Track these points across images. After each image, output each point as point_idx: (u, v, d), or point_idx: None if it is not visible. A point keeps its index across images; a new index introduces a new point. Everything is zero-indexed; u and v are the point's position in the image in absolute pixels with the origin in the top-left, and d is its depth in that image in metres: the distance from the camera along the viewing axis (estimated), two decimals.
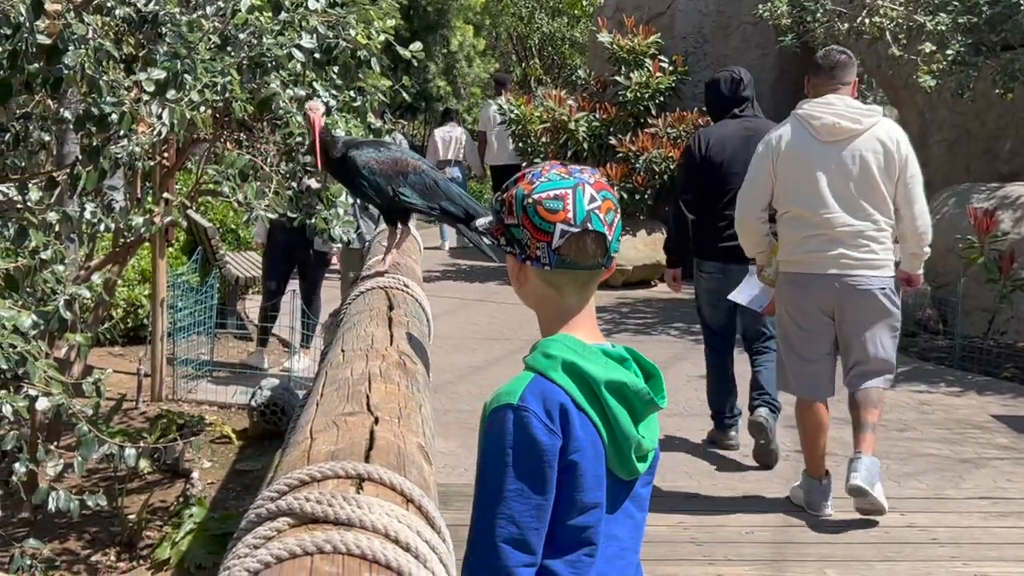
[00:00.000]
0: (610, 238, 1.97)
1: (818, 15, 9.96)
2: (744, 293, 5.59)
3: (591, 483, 1.89)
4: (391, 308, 2.42)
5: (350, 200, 5.44)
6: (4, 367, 3.33)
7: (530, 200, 1.94)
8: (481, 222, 2.07)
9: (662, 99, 11.96)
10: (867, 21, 9.47)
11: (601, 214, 1.94)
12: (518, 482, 1.81)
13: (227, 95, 4.55)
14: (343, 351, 1.97)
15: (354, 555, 1.01)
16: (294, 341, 8.19)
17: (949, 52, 8.80)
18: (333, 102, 5.13)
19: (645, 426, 1.97)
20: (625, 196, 11.36)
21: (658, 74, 11.91)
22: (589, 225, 1.92)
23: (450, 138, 13.69)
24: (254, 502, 1.17)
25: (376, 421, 1.47)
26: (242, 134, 5.69)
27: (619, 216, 2.00)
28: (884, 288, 4.89)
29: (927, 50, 9.02)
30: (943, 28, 8.89)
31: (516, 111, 12.38)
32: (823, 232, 4.86)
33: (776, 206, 5.02)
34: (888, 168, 4.85)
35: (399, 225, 2.95)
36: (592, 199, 1.94)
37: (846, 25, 9.68)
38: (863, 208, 4.85)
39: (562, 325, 1.98)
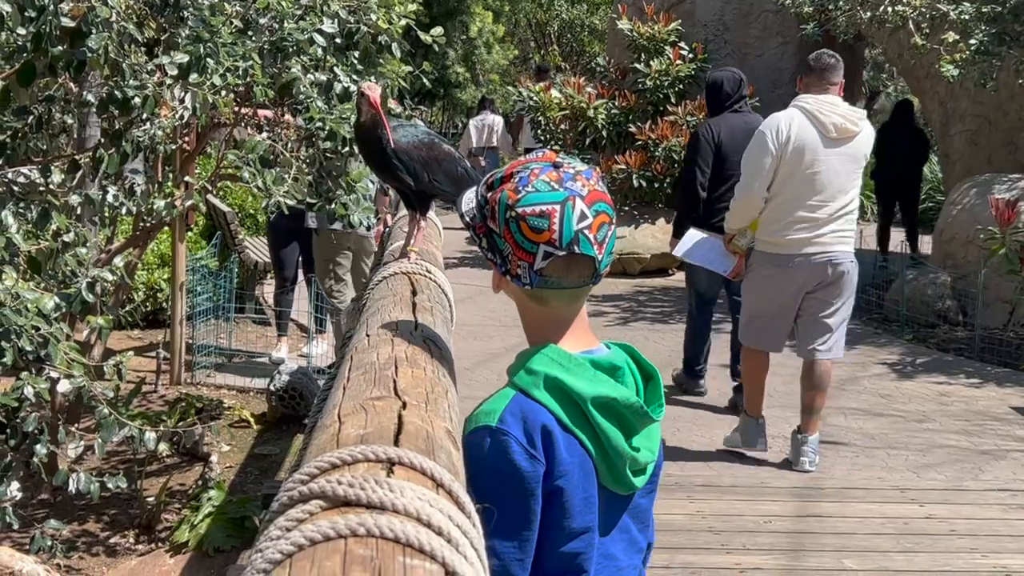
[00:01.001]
0: (600, 257, 1.78)
1: (840, 3, 9.90)
2: (697, 255, 6.16)
3: (579, 507, 1.75)
4: (415, 294, 2.41)
5: (369, 186, 5.44)
6: (28, 348, 3.34)
7: (513, 214, 1.76)
8: (467, 207, 1.88)
9: (682, 87, 11.93)
10: (890, 9, 9.41)
11: (591, 233, 1.75)
12: (498, 511, 1.66)
13: (248, 79, 4.54)
14: (368, 335, 1.96)
15: (387, 538, 1.01)
16: (311, 326, 8.21)
17: (972, 41, 8.74)
18: (353, 87, 5.12)
19: (643, 437, 1.82)
20: (644, 184, 11.35)
21: (678, 62, 11.88)
22: (576, 248, 1.74)
23: (483, 126, 13.97)
24: (284, 484, 1.17)
25: (404, 406, 1.46)
26: (263, 119, 5.68)
27: (613, 228, 1.81)
28: (853, 262, 5.45)
29: (950, 39, 8.96)
30: (966, 17, 8.84)
31: (535, 98, 12.35)
32: (812, 217, 5.32)
33: (771, 189, 5.41)
34: (863, 164, 5.45)
35: (419, 211, 2.92)
36: (582, 216, 1.74)
37: (868, 13, 9.63)
38: (847, 198, 5.37)
39: (546, 333, 1.83)
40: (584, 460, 1.75)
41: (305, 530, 1.01)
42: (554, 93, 12.85)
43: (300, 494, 1.09)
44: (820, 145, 5.28)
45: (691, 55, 11.99)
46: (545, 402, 1.73)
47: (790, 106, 5.45)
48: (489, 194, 1.82)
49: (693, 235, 6.26)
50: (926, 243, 11.87)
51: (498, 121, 14.20)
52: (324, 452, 1.21)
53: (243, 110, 5.35)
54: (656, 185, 11.51)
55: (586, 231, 1.75)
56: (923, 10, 9.33)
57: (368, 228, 7.38)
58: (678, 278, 11.48)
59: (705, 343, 7.02)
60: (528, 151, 14.43)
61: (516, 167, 1.83)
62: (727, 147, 6.42)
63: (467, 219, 1.87)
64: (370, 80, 5.41)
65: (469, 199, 1.90)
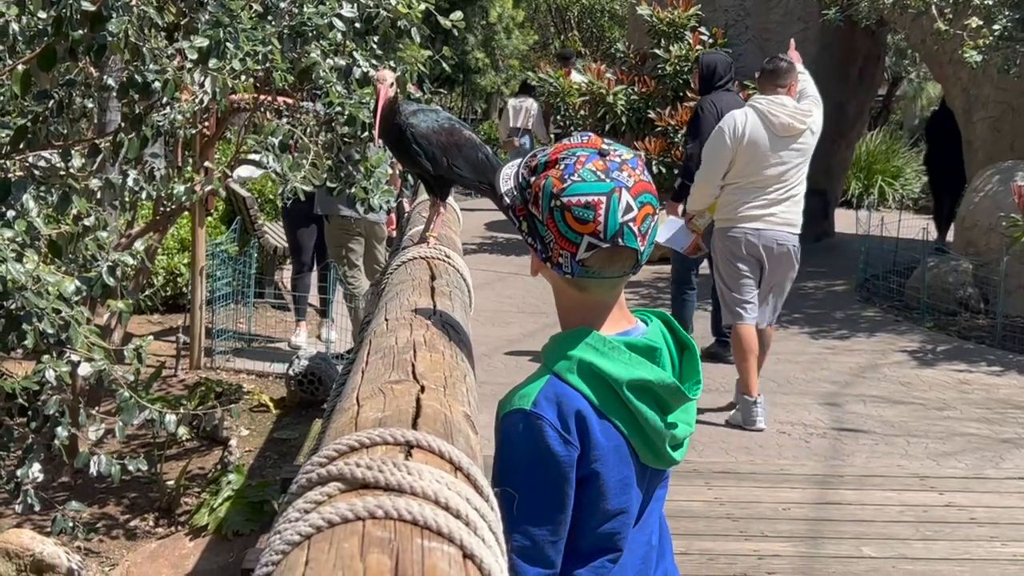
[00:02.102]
0: (643, 249, 1.77)
1: None
2: (663, 236, 6.84)
3: (615, 490, 1.75)
4: (433, 278, 2.41)
5: (388, 171, 5.44)
6: (49, 332, 3.36)
7: (558, 203, 1.73)
8: (506, 187, 1.85)
9: None
10: None
11: (635, 226, 1.74)
12: (532, 495, 1.69)
13: (268, 64, 4.54)
14: (387, 319, 1.96)
15: (405, 521, 1.01)
16: (330, 311, 8.23)
17: (996, 27, 8.66)
18: (373, 72, 5.11)
19: (681, 411, 1.82)
20: (663, 171, 11.30)
21: (698, 47, 11.81)
22: (620, 240, 1.73)
23: (521, 107, 14.31)
24: (303, 467, 1.17)
25: (422, 389, 1.46)
26: (282, 104, 5.68)
27: (656, 218, 1.80)
28: (796, 245, 6.18)
29: (973, 25, 8.88)
30: (990, 2, 8.76)
31: (554, 83, 12.31)
32: (762, 200, 6.09)
33: (727, 178, 6.20)
34: (810, 153, 6.17)
35: (439, 196, 2.92)
36: (628, 208, 1.72)
37: None
38: (793, 186, 6.13)
39: (583, 318, 1.81)
40: (620, 444, 1.75)
41: (324, 512, 1.01)
42: (575, 76, 12.81)
43: (319, 476, 1.09)
44: (770, 142, 6.06)
45: (711, 40, 11.92)
46: (579, 387, 1.73)
47: (746, 105, 6.30)
48: (532, 178, 1.79)
49: (675, 222, 6.94)
50: None
51: (535, 106, 14.35)
52: (342, 435, 1.21)
53: (262, 96, 5.36)
54: (676, 171, 11.45)
55: (631, 223, 1.73)
56: None
57: (388, 212, 7.39)
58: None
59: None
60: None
61: (561, 152, 1.79)
62: None
63: (507, 200, 1.85)
64: (389, 65, 5.41)
65: (507, 177, 1.88)
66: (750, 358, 6.14)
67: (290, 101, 5.58)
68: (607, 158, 1.76)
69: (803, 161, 6.13)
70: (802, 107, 6.13)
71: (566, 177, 1.74)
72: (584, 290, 1.80)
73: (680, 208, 7.06)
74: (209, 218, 8.95)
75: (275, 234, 9.54)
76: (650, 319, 1.89)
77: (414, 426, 1.29)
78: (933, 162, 12.78)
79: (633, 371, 1.74)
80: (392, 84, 2.71)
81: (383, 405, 1.36)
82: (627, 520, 1.79)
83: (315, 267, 8.51)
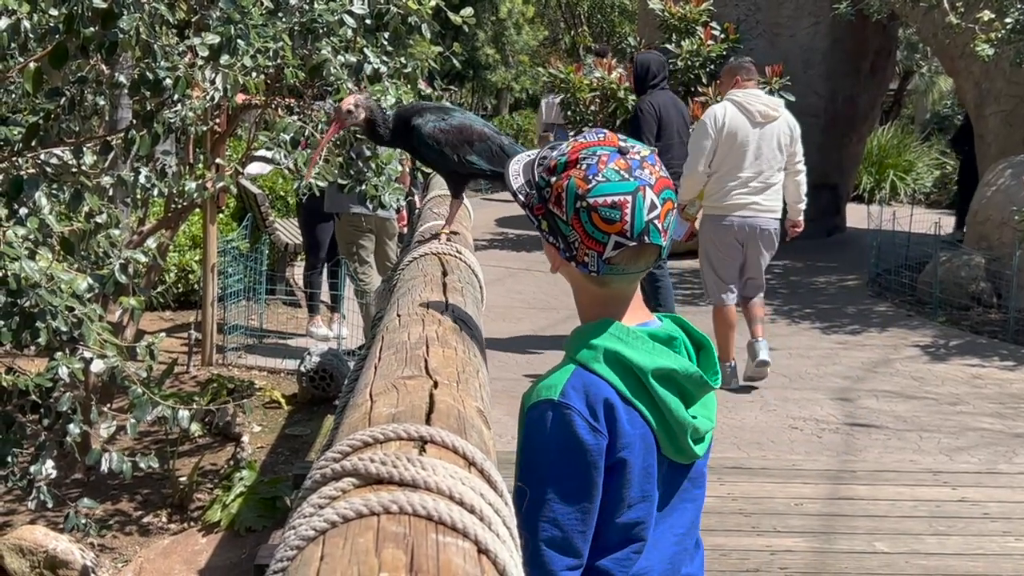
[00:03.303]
0: (665, 243, 1.80)
1: None
2: None
3: (639, 478, 1.77)
4: (445, 274, 2.41)
5: (398, 168, 5.44)
6: (63, 329, 3.36)
7: (584, 204, 1.74)
8: (516, 184, 1.86)
9: (713, 68, 11.82)
10: None
11: (660, 223, 1.76)
12: (562, 484, 1.70)
13: (279, 61, 4.54)
14: (399, 315, 1.96)
15: (420, 516, 1.01)
16: (341, 307, 8.24)
17: (1008, 20, 8.62)
18: (384, 68, 5.11)
19: (700, 405, 1.84)
20: None
21: (709, 42, 11.78)
22: (647, 238, 1.75)
23: (553, 104, 14.56)
24: (317, 462, 1.17)
25: (435, 385, 1.46)
26: (293, 100, 5.69)
27: (676, 212, 1.87)
28: (776, 228, 6.76)
29: (985, 18, 8.84)
30: None
31: (565, 79, 12.30)
32: (745, 187, 6.63)
33: (712, 166, 6.70)
34: (788, 144, 6.73)
35: (452, 193, 2.95)
36: (652, 206, 1.75)
37: None
38: (772, 173, 6.68)
39: (604, 311, 1.83)
40: (645, 432, 1.76)
41: (338, 507, 1.01)
42: (599, 75, 12.82)
43: (333, 472, 1.09)
44: (749, 130, 6.64)
45: (723, 35, 11.89)
46: (606, 376, 1.74)
47: (723, 99, 6.84)
48: (553, 179, 1.80)
49: None
50: None
51: None
52: (356, 430, 1.21)
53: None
54: None
55: (655, 221, 1.76)
56: None
57: (397, 211, 7.40)
58: None
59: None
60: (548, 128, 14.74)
61: (580, 151, 1.80)
62: (665, 119, 7.65)
63: (520, 197, 1.87)
64: (400, 60, 5.41)
65: (515, 173, 1.89)
66: (732, 333, 6.84)
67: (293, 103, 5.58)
68: (628, 156, 1.78)
69: (777, 150, 6.70)
70: (773, 99, 6.89)
71: (590, 177, 1.75)
72: (606, 285, 1.82)
73: None
74: (220, 215, 8.97)
75: (286, 231, 9.56)
76: (662, 318, 1.91)
77: (427, 421, 1.29)
78: (965, 156, 12.74)
79: (657, 360, 1.77)
80: (352, 112, 2.74)
81: (396, 400, 1.36)
82: (650, 508, 1.79)
83: (326, 263, 8.53)
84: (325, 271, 8.53)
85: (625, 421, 1.74)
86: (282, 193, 11.05)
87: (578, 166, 1.78)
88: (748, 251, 6.78)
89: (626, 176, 1.75)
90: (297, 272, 9.68)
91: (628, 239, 1.74)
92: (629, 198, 1.73)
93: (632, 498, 1.77)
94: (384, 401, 1.37)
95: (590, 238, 1.76)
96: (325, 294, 8.60)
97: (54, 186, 3.88)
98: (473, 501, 1.05)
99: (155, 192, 4.46)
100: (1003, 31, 8.66)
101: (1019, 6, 8.67)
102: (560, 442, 1.71)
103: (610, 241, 1.75)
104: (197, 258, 8.65)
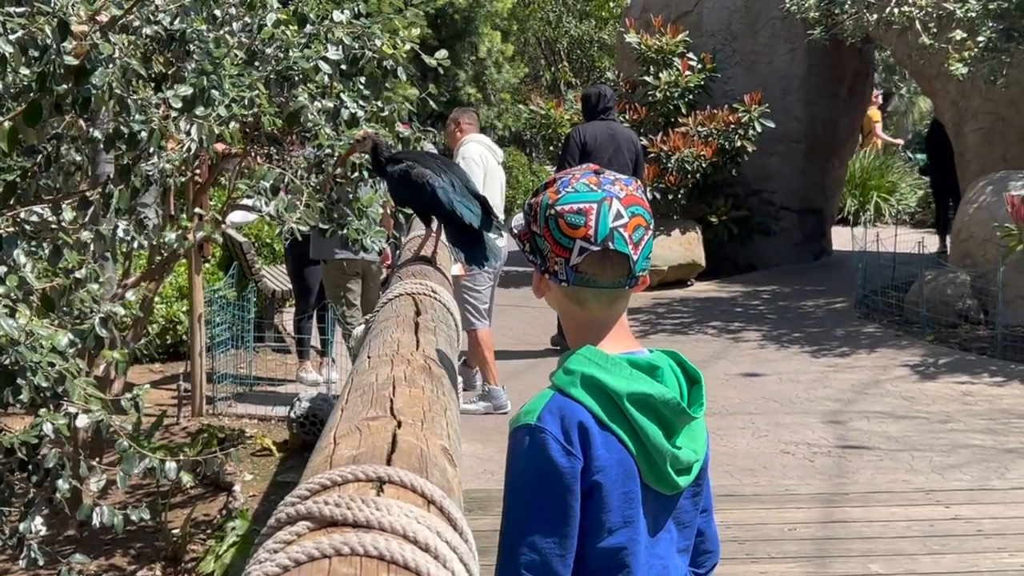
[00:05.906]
0: (635, 258, 1.84)
1: (846, 6, 9.88)
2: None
3: (618, 503, 1.78)
4: (418, 314, 2.43)
5: (380, 210, 5.47)
6: (44, 385, 3.36)
7: (552, 212, 1.83)
8: (516, 222, 1.96)
9: (692, 97, 11.92)
10: (896, 11, 9.38)
11: (626, 232, 1.82)
12: (539, 509, 1.72)
13: (256, 109, 4.57)
14: (369, 357, 1.97)
15: (371, 556, 1.02)
16: (330, 351, 8.24)
17: (980, 39, 8.70)
18: (361, 112, 5.15)
19: (685, 436, 1.85)
20: (658, 196, 11.33)
21: (687, 72, 11.87)
22: (610, 244, 1.81)
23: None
24: (276, 508, 1.18)
25: (399, 425, 1.47)
26: (272, 148, 5.72)
27: (650, 233, 1.88)
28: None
29: (958, 37, 8.92)
30: (973, 15, 8.80)
31: (546, 114, 12.36)
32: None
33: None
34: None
35: (426, 225, 3.14)
36: (618, 216, 1.82)
37: (875, 16, 9.60)
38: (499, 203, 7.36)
39: (587, 337, 1.87)
40: (624, 457, 1.78)
41: (291, 551, 1.01)
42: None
43: (288, 516, 1.10)
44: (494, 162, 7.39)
45: (700, 65, 11.98)
46: (582, 400, 1.78)
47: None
48: (533, 199, 1.91)
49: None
50: None
51: None
52: (316, 474, 1.22)
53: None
54: (670, 196, 11.49)
55: (621, 229, 1.82)
56: (929, 9, 9.30)
57: (379, 252, 7.43)
58: (697, 289, 11.47)
59: None
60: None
61: (560, 175, 1.92)
62: (591, 147, 8.19)
63: (515, 232, 1.96)
64: (377, 104, 5.45)
65: (519, 219, 1.99)
66: (491, 353, 7.27)
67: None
68: (601, 176, 1.88)
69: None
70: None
71: (560, 189, 1.86)
72: (583, 304, 1.87)
73: None
74: (207, 264, 8.97)
75: (273, 277, 9.57)
76: (654, 351, 1.94)
77: (389, 462, 1.30)
78: (933, 171, 12.94)
79: (633, 384, 1.79)
80: (362, 141, 3.21)
81: (358, 442, 1.37)
82: (633, 535, 1.79)
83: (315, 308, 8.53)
84: (314, 316, 8.53)
85: (600, 445, 1.76)
86: (268, 240, 11.07)
87: (553, 184, 1.89)
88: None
89: (594, 188, 1.86)
90: (286, 318, 9.68)
91: (592, 243, 1.81)
92: (595, 205, 1.83)
93: (613, 523, 1.78)
94: (346, 443, 1.38)
95: (557, 244, 1.84)
96: (315, 339, 8.60)
97: (33, 243, 3.89)
98: (428, 539, 1.06)
99: (135, 245, 4.47)
100: (976, 49, 8.74)
101: (991, 24, 8.75)
102: (535, 465, 1.74)
103: (575, 246, 1.82)
104: (184, 309, 8.65)
